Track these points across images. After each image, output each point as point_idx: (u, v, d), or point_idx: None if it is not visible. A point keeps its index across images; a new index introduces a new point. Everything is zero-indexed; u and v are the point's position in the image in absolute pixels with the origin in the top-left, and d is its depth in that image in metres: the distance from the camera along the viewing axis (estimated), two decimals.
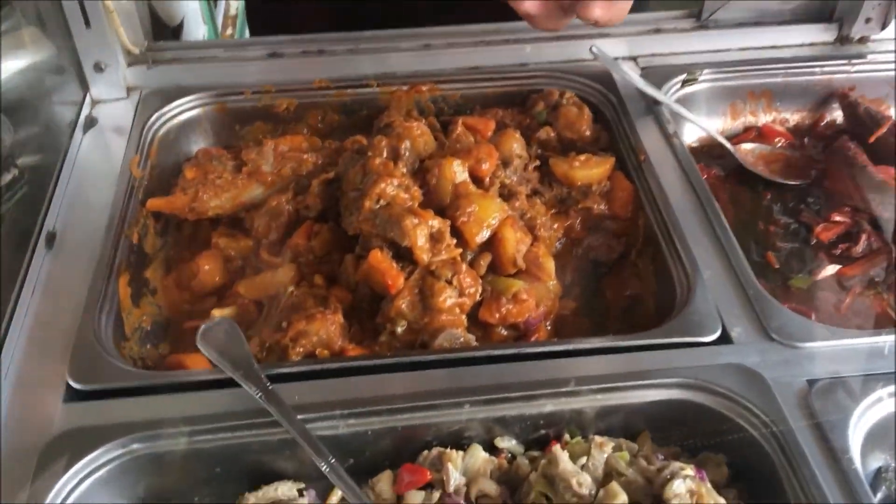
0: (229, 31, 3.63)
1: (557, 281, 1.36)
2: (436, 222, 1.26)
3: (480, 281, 1.28)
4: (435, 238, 1.26)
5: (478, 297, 1.26)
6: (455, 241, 1.27)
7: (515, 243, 1.32)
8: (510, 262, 1.31)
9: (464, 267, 1.25)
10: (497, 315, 1.26)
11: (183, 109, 1.60)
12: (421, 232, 1.24)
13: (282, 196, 1.42)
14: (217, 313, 1.30)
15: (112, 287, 1.26)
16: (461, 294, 1.24)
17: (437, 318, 1.22)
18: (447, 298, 1.23)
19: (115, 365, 1.13)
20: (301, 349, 1.20)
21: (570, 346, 1.15)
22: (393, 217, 1.25)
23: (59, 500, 0.98)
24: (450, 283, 1.23)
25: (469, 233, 1.30)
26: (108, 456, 1.02)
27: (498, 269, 1.33)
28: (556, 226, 1.45)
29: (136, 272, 1.34)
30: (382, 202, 1.28)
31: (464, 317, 1.25)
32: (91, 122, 1.59)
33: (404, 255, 1.26)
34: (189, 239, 1.47)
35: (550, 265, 1.35)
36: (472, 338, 1.23)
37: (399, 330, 1.23)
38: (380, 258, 1.25)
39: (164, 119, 1.58)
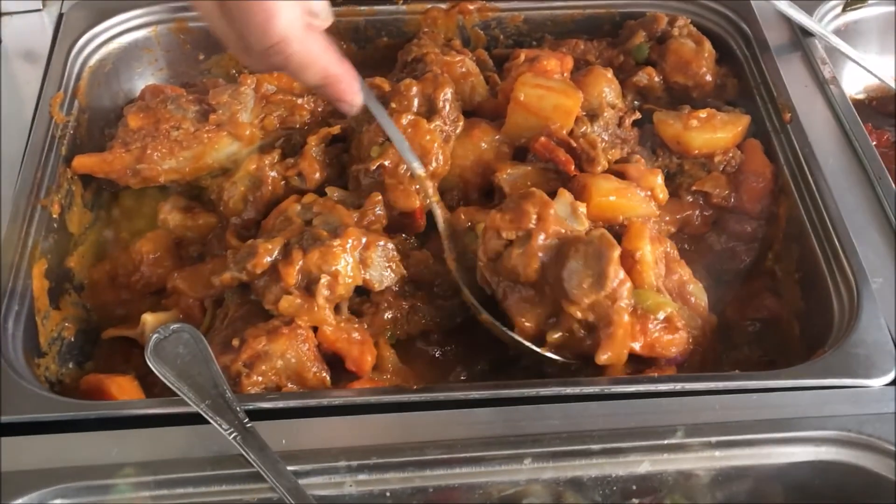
0: None
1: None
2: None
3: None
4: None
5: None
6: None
7: (654, 264, 1.33)
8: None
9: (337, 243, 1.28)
10: (643, 339, 1.26)
11: (124, 29, 1.65)
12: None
13: (264, 158, 1.46)
14: (150, 318, 1.34)
15: (23, 280, 1.30)
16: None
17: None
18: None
19: (27, 389, 1.18)
20: (260, 378, 1.24)
21: (678, 385, 1.19)
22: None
23: None
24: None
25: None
26: None
27: None
28: (667, 218, 1.48)
29: (56, 259, 1.38)
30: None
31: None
32: None
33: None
34: (130, 214, 1.52)
35: (703, 296, 1.38)
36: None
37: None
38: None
39: (97, 42, 1.62)
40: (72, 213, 1.45)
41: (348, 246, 1.28)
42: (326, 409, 1.16)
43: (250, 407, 1.13)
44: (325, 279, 1.27)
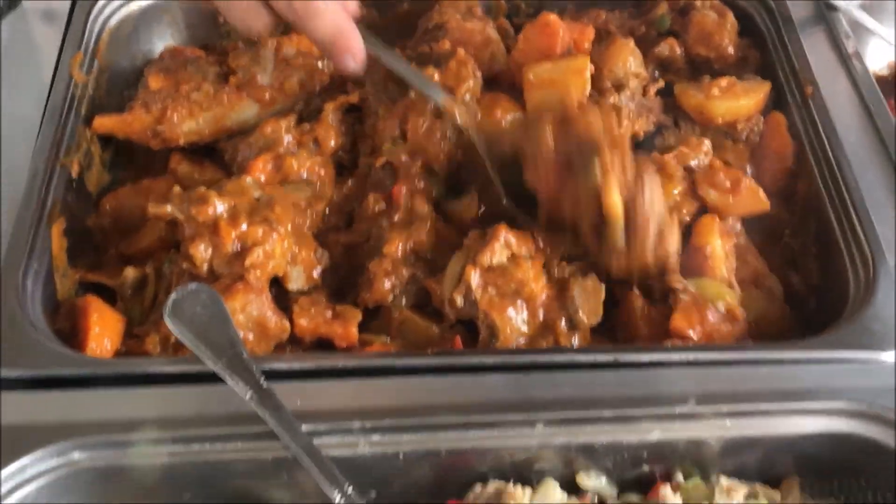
0: None
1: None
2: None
3: None
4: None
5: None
6: None
7: (726, 257, 1.36)
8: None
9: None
10: (699, 328, 1.30)
11: None
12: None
13: (281, 121, 1.49)
14: (131, 272, 1.38)
15: (42, 238, 1.34)
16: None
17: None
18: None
19: (46, 346, 1.21)
20: None
21: (690, 355, 1.22)
22: None
23: None
24: None
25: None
26: (39, 467, 1.09)
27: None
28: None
29: (75, 219, 1.42)
30: None
31: None
32: (12, 3, 1.66)
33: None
34: (146, 172, 1.54)
35: (779, 287, 1.42)
36: None
37: None
38: None
39: (117, 3, 1.65)
40: (91, 174, 1.49)
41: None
42: (342, 371, 1.20)
43: (266, 367, 1.16)
44: (258, 253, 1.30)
